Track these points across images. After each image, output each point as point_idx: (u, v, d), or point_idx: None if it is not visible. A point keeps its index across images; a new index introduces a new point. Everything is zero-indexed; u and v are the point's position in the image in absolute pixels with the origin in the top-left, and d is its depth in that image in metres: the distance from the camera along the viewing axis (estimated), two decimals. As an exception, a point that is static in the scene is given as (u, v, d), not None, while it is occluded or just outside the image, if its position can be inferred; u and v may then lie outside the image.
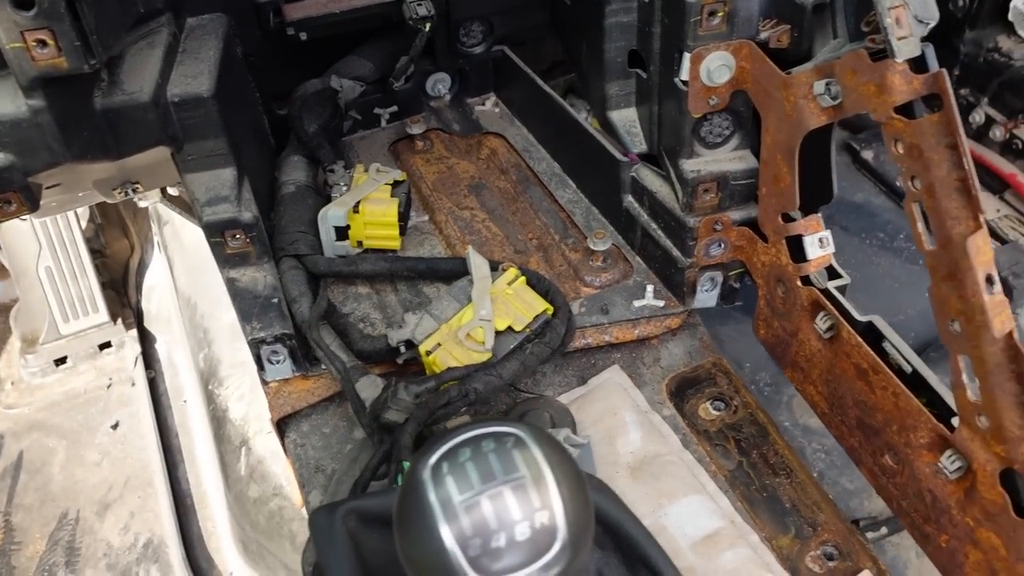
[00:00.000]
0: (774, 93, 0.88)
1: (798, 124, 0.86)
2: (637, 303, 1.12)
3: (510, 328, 0.99)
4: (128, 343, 2.09)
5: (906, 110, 0.73)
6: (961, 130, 0.69)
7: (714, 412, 1.05)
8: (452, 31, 1.33)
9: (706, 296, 1.12)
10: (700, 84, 0.94)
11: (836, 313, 0.91)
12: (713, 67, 0.92)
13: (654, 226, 1.12)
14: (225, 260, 1.09)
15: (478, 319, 0.99)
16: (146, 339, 2.12)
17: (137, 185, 1.14)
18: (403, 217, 1.18)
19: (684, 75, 0.95)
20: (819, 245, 0.94)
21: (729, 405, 1.04)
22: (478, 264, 1.04)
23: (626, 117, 1.13)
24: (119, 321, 2.08)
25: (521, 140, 1.38)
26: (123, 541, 1.78)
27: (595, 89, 1.16)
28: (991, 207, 1.62)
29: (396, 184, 1.19)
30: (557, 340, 1.00)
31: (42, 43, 0.82)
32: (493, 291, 1.02)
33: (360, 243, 1.18)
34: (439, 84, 1.45)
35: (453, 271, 1.13)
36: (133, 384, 2.03)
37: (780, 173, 0.91)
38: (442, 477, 0.51)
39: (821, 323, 0.93)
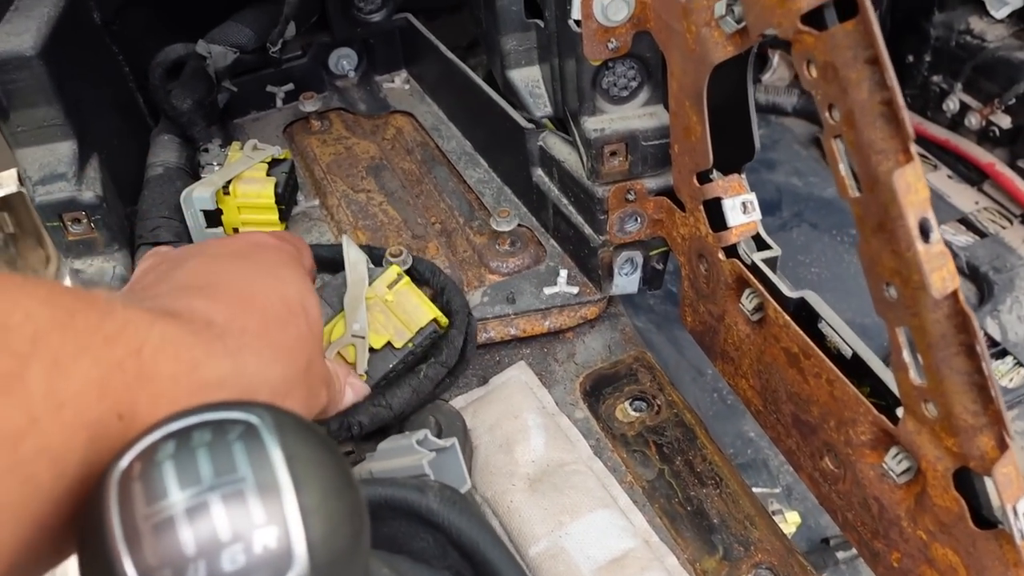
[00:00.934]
0: (675, 26, 0.74)
1: (702, 59, 0.72)
2: (548, 290, 0.97)
3: (389, 344, 0.83)
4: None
5: (816, 20, 0.58)
6: (882, 41, 0.54)
7: (633, 413, 0.90)
8: (345, -5, 1.19)
9: (626, 280, 0.97)
10: (595, 24, 0.80)
11: (763, 289, 0.76)
12: (607, 2, 0.78)
13: (564, 201, 0.97)
14: (67, 248, 0.95)
15: (349, 334, 0.83)
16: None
17: (-28, 167, 0.99)
18: (284, 199, 1.03)
19: (576, 14, 0.81)
20: (741, 210, 0.79)
21: (652, 405, 0.89)
22: (354, 261, 0.86)
23: (527, 76, 0.99)
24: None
25: (431, 118, 1.24)
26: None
27: (492, 48, 1.02)
28: (969, 199, 1.50)
29: (275, 163, 1.05)
30: (454, 357, 0.85)
31: None
32: (370, 296, 0.85)
33: (236, 230, 1.03)
34: (343, 60, 1.30)
35: (335, 260, 0.98)
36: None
37: (690, 124, 0.77)
38: (130, 483, 0.36)
39: (747, 302, 0.79)
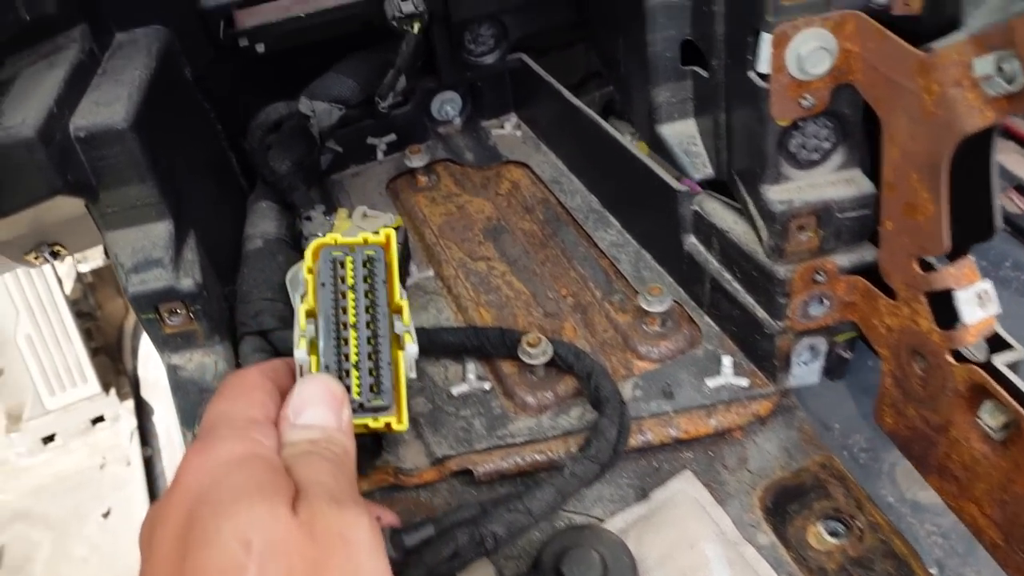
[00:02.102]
0: (904, 83, 0.60)
1: (947, 127, 0.57)
2: (711, 382, 0.83)
3: None
4: (123, 416, 1.85)
5: None
6: None
7: (830, 539, 0.74)
8: (455, 37, 1.06)
9: (805, 371, 0.83)
10: (787, 78, 0.66)
11: (1015, 404, 0.61)
12: (805, 52, 0.64)
13: (728, 276, 0.83)
14: (164, 342, 0.84)
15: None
16: (143, 411, 1.89)
17: (58, 247, 0.89)
18: (399, 273, 0.91)
19: (763, 67, 0.67)
20: (978, 303, 0.64)
21: (851, 528, 0.74)
22: None
23: (681, 132, 0.85)
24: (112, 391, 1.85)
25: (549, 169, 1.11)
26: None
27: (638, 99, 0.88)
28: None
29: (388, 232, 0.93)
30: (607, 452, 0.71)
31: None
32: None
33: (345, 310, 0.91)
34: (447, 106, 1.18)
35: (462, 344, 0.86)
36: (128, 464, 1.79)
37: (918, 201, 0.62)
38: None
39: (989, 417, 0.64)
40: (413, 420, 0.82)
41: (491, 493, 0.80)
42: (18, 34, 0.74)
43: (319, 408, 0.58)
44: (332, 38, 0.98)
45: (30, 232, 0.86)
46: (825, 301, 0.77)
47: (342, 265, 0.64)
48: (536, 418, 0.83)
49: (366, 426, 0.62)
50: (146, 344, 1.93)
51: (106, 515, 1.72)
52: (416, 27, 0.90)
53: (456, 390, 0.86)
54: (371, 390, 0.62)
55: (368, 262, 0.65)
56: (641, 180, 0.91)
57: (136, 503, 1.72)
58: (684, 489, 0.78)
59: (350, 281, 0.64)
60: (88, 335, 1.84)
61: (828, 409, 1.59)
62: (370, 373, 0.62)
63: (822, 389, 0.85)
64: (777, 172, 0.72)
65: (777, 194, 0.72)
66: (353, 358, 0.62)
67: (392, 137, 1.15)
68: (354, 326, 0.62)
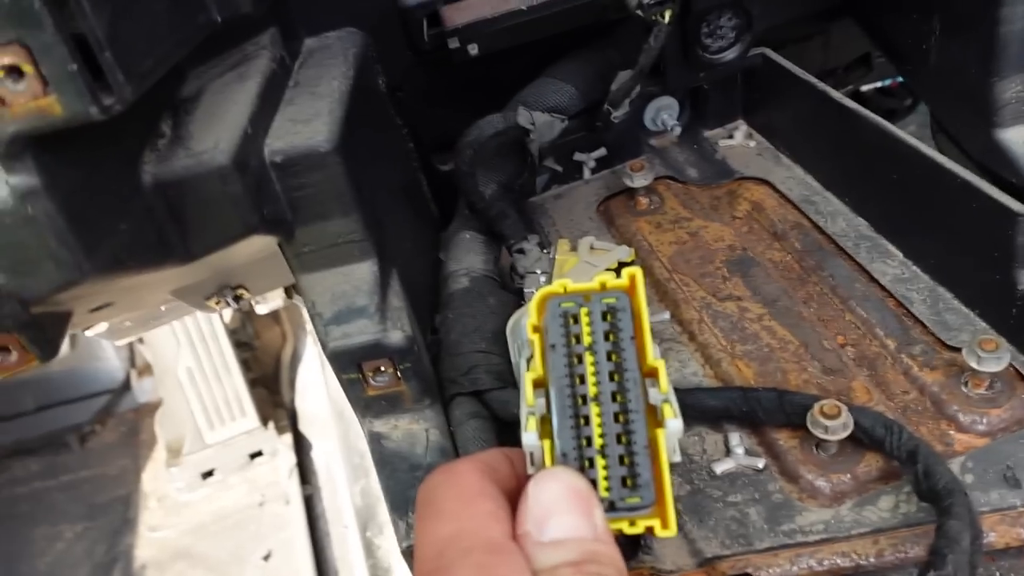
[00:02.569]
0: None
1: None
2: (1070, 464, 0.62)
3: None
4: (282, 451, 1.77)
5: None
6: None
7: None
8: (691, 30, 0.88)
9: None
10: None
11: None
12: None
13: (1093, 327, 0.62)
14: (366, 406, 0.70)
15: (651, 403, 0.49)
16: (302, 446, 1.79)
17: (241, 291, 0.77)
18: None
19: None
20: None
21: None
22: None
23: (1037, 137, 0.65)
24: (271, 425, 1.77)
25: (797, 186, 0.92)
26: None
27: (963, 97, 0.69)
28: None
29: (622, 267, 0.76)
30: (965, 567, 0.53)
31: (14, 72, 0.45)
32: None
33: (572, 363, 0.75)
34: (663, 113, 1.01)
35: (727, 410, 0.69)
36: (288, 503, 1.69)
37: None
38: None
39: None
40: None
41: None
42: (207, 40, 0.62)
43: (567, 517, 0.44)
44: (552, 36, 0.83)
45: (214, 276, 0.74)
46: None
47: (576, 320, 0.49)
48: (833, 509, 0.64)
49: (620, 531, 0.47)
50: (304, 375, 1.84)
51: (266, 558, 1.63)
52: (668, 16, 0.73)
53: (720, 468, 0.68)
54: (624, 484, 0.47)
55: (610, 313, 0.49)
56: (950, 199, 0.71)
57: (297, 545, 1.61)
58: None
59: (587, 340, 0.49)
60: (246, 366, 1.76)
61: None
62: (621, 461, 0.48)
63: None
64: None
65: None
66: (598, 442, 0.48)
67: (602, 152, 0.98)
68: (596, 399, 0.48)
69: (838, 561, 0.61)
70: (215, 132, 0.59)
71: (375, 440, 0.70)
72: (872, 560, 0.61)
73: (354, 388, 0.68)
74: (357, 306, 0.67)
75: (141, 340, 1.81)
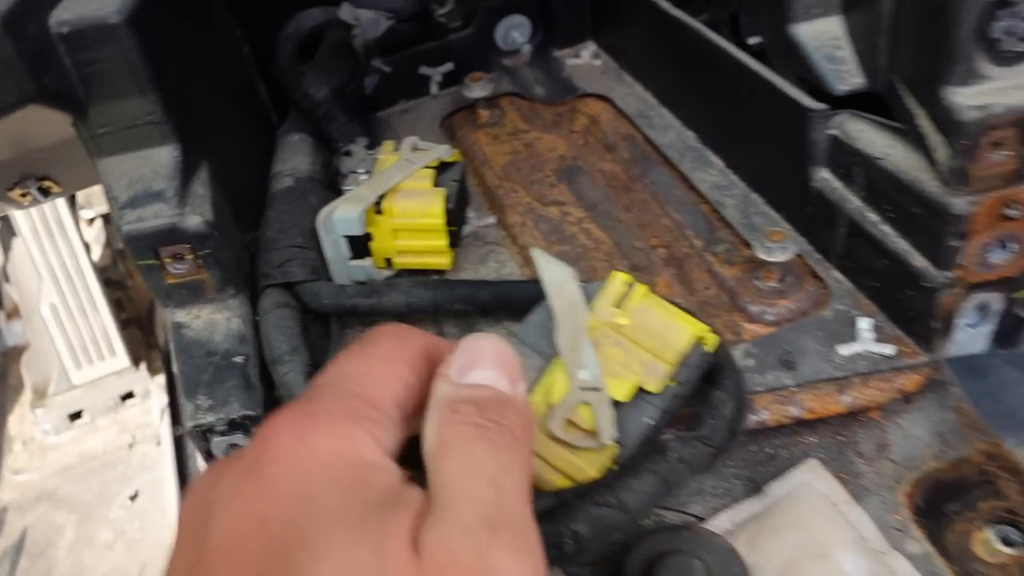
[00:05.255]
0: None
1: None
2: (844, 350, 0.65)
3: (641, 391, 0.53)
4: (154, 392, 1.73)
5: None
6: None
7: (1003, 549, 0.57)
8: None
9: (969, 335, 0.65)
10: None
11: None
12: None
13: (873, 217, 0.65)
14: (166, 295, 0.69)
15: (577, 388, 0.53)
16: (175, 387, 1.76)
17: (48, 183, 0.74)
18: (455, 219, 0.75)
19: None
20: None
21: (1036, 537, 0.57)
22: (558, 280, 0.57)
23: (823, 32, 0.67)
24: (143, 366, 1.72)
25: (635, 102, 0.93)
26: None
27: (761, -5, 0.71)
28: None
29: (444, 167, 0.77)
30: (723, 432, 0.54)
31: None
32: (593, 326, 0.55)
33: (389, 261, 0.76)
34: (514, 32, 1.01)
35: (533, 300, 0.69)
36: (158, 443, 1.66)
37: None
38: None
39: None
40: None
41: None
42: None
43: (490, 371, 0.42)
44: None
45: (10, 160, 0.71)
46: (1010, 245, 0.59)
47: None
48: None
49: None
50: (179, 316, 1.80)
51: (133, 498, 1.60)
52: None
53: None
54: None
55: None
56: (759, 102, 0.73)
57: (165, 486, 1.59)
58: (809, 482, 0.61)
59: None
60: (118, 305, 1.72)
61: (998, 385, 1.35)
62: None
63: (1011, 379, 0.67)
64: (969, 68, 0.53)
65: (968, 98, 0.54)
66: None
67: (449, 67, 0.98)
68: None
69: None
70: (-11, -6, 0.57)
71: (176, 329, 0.68)
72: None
73: (152, 275, 0.67)
74: (154, 190, 0.65)
75: (7, 279, 1.74)
